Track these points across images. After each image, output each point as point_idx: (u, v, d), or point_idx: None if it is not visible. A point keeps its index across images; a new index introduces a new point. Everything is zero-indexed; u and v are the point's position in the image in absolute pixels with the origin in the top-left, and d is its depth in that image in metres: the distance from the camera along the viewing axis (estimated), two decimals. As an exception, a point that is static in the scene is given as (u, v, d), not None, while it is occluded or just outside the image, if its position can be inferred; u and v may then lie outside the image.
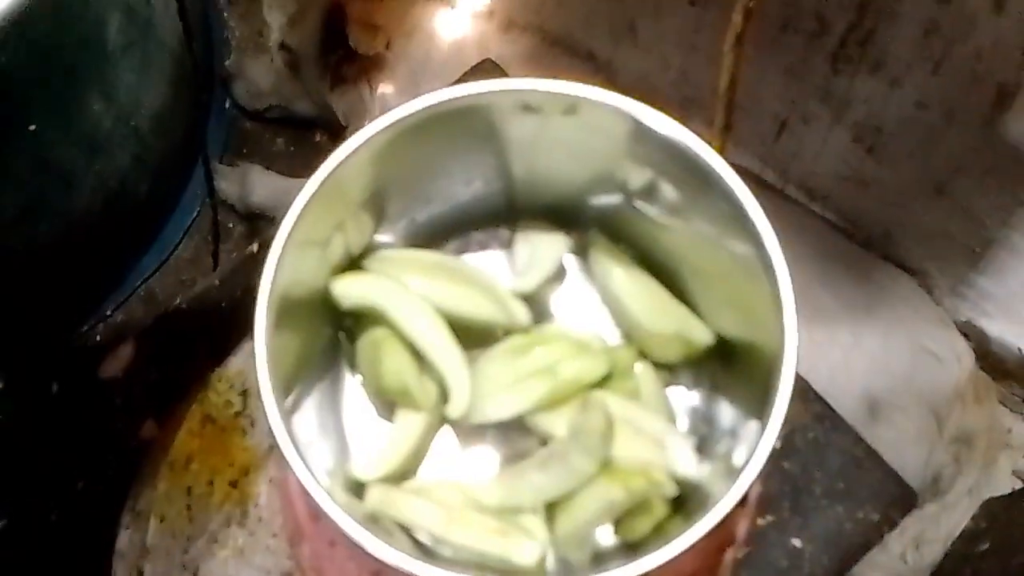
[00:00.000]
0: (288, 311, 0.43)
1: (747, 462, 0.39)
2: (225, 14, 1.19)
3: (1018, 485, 1.02)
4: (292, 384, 0.44)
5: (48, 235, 0.94)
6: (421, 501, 0.46)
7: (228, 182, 1.13)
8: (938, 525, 1.00)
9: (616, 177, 0.49)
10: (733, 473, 0.41)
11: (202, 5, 1.13)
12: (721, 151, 0.53)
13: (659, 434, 0.47)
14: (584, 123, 0.46)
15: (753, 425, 0.42)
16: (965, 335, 0.99)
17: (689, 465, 0.47)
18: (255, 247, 0.62)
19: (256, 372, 0.39)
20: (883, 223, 0.96)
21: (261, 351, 0.40)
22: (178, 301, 0.62)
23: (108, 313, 1.04)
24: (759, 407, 0.41)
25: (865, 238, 0.98)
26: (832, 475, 0.60)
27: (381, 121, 0.44)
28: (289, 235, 0.42)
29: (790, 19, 0.83)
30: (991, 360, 0.99)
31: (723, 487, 0.40)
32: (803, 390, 0.59)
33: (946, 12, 0.75)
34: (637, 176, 0.48)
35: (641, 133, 0.44)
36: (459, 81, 0.69)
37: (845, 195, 0.96)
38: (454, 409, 0.48)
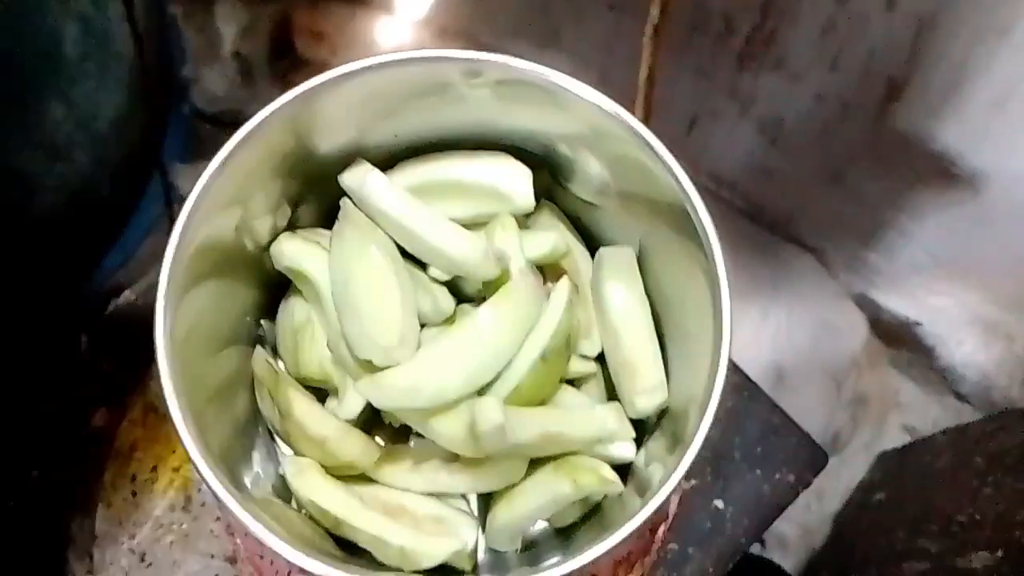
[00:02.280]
0: (202, 279, 0.37)
1: (686, 448, 0.34)
2: (181, 25, 1.12)
3: (907, 438, 1.01)
4: (207, 376, 0.38)
5: (11, 237, 0.88)
6: (339, 489, 0.40)
7: (187, 181, 1.07)
8: (838, 478, 0.99)
9: (546, 150, 0.43)
10: (669, 455, 0.36)
11: (159, 17, 1.07)
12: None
13: (599, 420, 0.41)
14: (509, 92, 0.40)
15: (688, 408, 0.38)
16: (859, 307, 0.97)
17: (628, 451, 0.42)
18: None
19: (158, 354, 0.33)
20: (785, 208, 0.93)
21: (161, 321, 0.34)
22: (130, 294, 0.56)
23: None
24: (693, 390, 0.37)
25: (770, 222, 0.95)
26: (751, 441, 0.56)
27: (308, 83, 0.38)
28: (205, 187, 0.36)
29: (699, 21, 0.80)
30: (882, 328, 0.97)
31: (659, 471, 0.36)
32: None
33: (842, 11, 0.72)
34: (565, 151, 0.43)
35: (567, 102, 0.39)
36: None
37: (751, 183, 0.93)
38: (345, 411, 0.41)
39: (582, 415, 0.40)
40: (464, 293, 0.43)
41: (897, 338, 0.97)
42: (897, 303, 0.94)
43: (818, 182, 0.87)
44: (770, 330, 0.94)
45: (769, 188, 0.92)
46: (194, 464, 0.32)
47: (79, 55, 0.86)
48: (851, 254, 0.92)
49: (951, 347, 0.92)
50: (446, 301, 0.42)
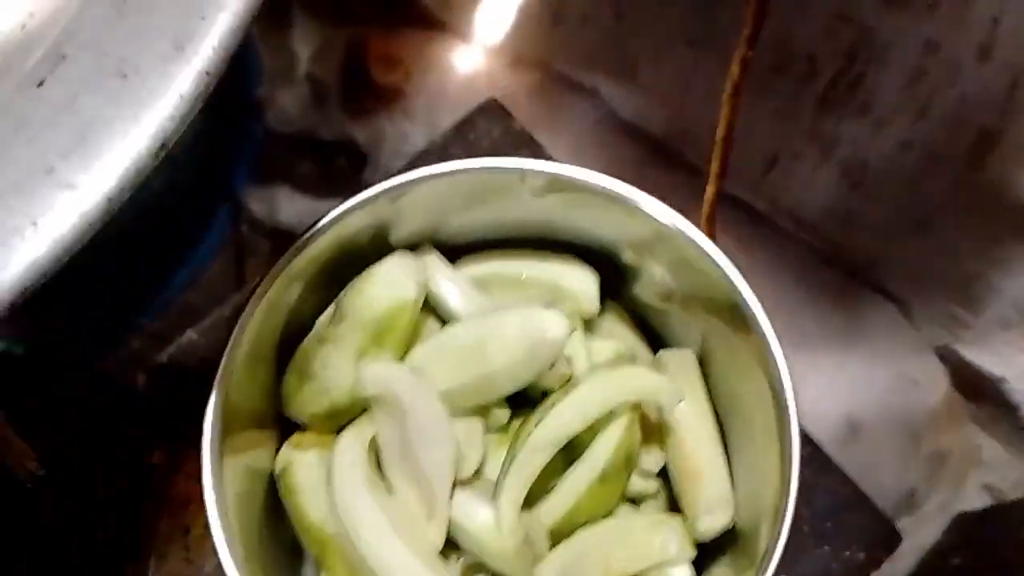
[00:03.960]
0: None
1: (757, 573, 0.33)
2: (258, 45, 1.14)
3: (988, 499, 0.97)
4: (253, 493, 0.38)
5: (85, 255, 0.90)
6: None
7: (257, 202, 1.09)
8: (913, 539, 0.95)
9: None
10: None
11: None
12: (716, 196, 0.48)
13: (659, 544, 0.39)
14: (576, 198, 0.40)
15: (759, 524, 0.36)
16: (941, 358, 0.93)
17: None
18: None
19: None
20: (867, 254, 0.90)
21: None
22: (192, 333, 0.57)
23: (141, 327, 1.00)
24: (762, 503, 0.36)
25: (849, 267, 0.93)
26: (820, 515, 0.54)
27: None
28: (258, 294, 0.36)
29: (782, 63, 0.78)
30: (965, 383, 0.94)
31: None
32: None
33: (933, 59, 0.69)
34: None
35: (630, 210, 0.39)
36: (466, 120, 0.64)
37: (831, 227, 0.91)
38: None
39: (641, 538, 0.39)
40: (526, 395, 0.43)
41: (981, 393, 0.94)
42: (982, 358, 0.90)
43: (902, 230, 0.85)
44: (845, 381, 0.92)
45: (850, 233, 0.90)
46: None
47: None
48: (934, 305, 0.89)
49: (1039, 405, 0.89)
50: (503, 413, 0.42)
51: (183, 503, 0.47)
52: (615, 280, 0.45)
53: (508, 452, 0.38)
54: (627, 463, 0.40)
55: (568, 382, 0.40)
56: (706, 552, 0.40)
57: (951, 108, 0.71)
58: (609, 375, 0.38)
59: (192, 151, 0.99)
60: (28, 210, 0.29)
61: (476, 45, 1.08)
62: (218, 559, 0.46)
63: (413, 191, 0.38)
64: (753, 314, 0.36)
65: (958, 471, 0.98)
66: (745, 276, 0.98)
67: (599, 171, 1.02)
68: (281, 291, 0.38)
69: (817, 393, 0.90)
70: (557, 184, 0.39)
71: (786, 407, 0.35)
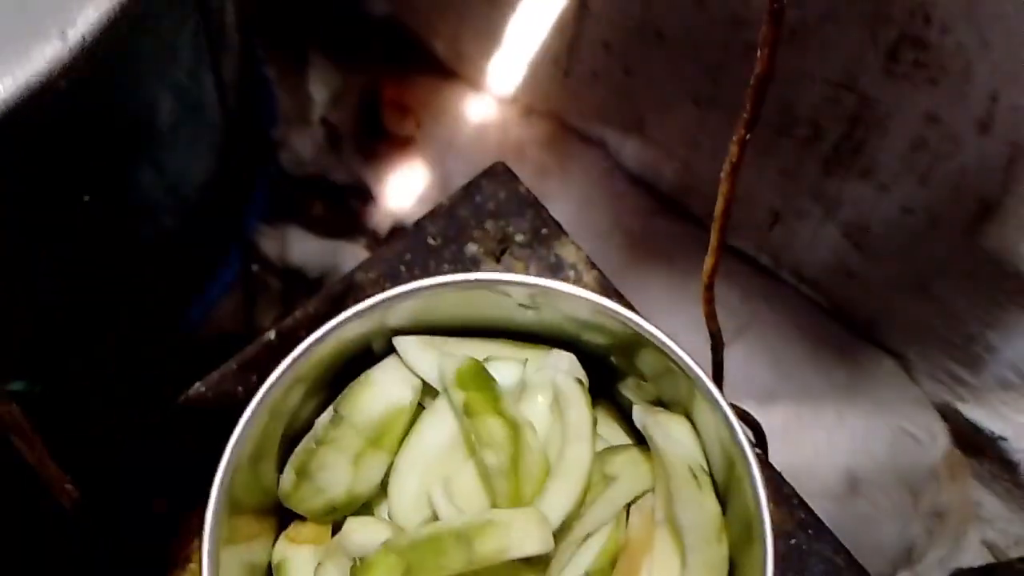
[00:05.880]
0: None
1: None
2: (273, 87, 1.16)
3: (987, 555, 0.97)
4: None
5: (95, 292, 0.91)
6: None
7: (269, 241, 1.11)
8: (910, 595, 0.96)
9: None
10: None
11: (251, 80, 1.10)
12: (714, 268, 0.49)
13: None
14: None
15: None
16: (942, 415, 0.94)
17: None
18: (272, 335, 0.58)
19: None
20: (868, 311, 0.91)
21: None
22: (200, 386, 0.58)
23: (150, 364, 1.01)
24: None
25: (851, 323, 0.94)
26: (812, 584, 0.55)
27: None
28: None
29: (785, 126, 0.79)
30: (965, 439, 0.94)
31: None
32: (788, 496, 0.55)
33: (933, 130, 0.71)
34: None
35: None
36: (473, 182, 0.65)
37: (834, 283, 0.92)
38: None
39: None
40: None
41: (981, 450, 0.94)
42: (982, 416, 0.91)
43: (903, 290, 0.85)
44: (845, 435, 0.92)
45: (852, 290, 0.91)
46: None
47: (172, 124, 0.89)
48: (935, 363, 0.90)
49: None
50: None
51: (183, 564, 0.48)
52: (606, 381, 0.46)
53: None
54: (611, 567, 0.40)
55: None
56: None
57: (952, 177, 0.73)
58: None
59: (206, 195, 1.00)
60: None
61: (488, 95, 1.10)
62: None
63: (405, 301, 0.40)
64: (750, 466, 0.37)
65: (957, 527, 0.98)
66: (748, 328, 0.99)
67: (608, 221, 1.03)
68: (283, 393, 0.39)
69: (817, 447, 0.90)
70: (541, 296, 0.41)
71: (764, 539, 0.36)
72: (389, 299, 0.40)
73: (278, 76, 1.16)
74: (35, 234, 0.82)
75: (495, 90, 1.07)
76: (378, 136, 1.09)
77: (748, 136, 0.45)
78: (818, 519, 0.59)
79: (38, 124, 0.72)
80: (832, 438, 0.92)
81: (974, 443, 0.94)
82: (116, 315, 0.94)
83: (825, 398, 0.93)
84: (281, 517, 0.43)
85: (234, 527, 0.37)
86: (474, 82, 1.07)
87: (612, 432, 0.45)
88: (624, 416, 0.45)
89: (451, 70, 1.08)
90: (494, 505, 0.39)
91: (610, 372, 0.44)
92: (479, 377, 0.40)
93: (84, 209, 0.83)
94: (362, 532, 0.40)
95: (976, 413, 0.90)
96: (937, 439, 0.94)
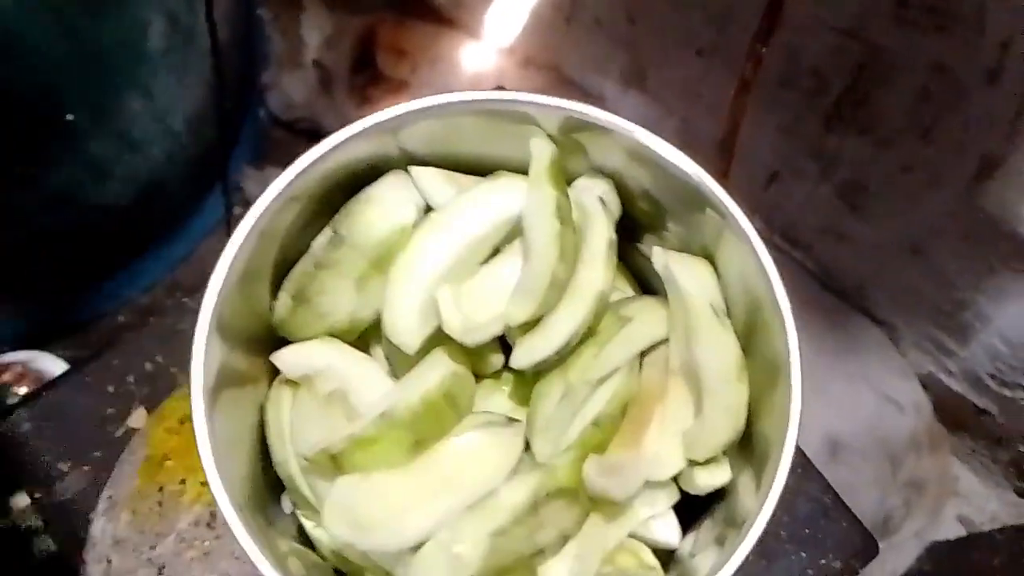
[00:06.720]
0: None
1: (738, 541, 0.32)
2: (267, 28, 1.13)
3: (962, 531, 0.97)
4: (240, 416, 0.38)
5: (79, 220, 0.89)
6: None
7: (254, 184, 1.08)
8: (885, 564, 0.95)
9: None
10: (719, 546, 0.35)
11: (246, 18, 1.08)
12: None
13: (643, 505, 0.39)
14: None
15: (745, 496, 0.36)
16: (925, 387, 0.93)
17: (673, 537, 0.39)
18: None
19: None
20: (858, 277, 0.90)
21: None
22: (181, 295, 0.56)
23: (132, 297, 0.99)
24: (753, 478, 0.35)
25: (840, 289, 0.92)
26: (799, 521, 0.54)
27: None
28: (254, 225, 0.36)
29: (789, 76, 0.78)
30: (948, 413, 0.93)
31: (706, 562, 0.34)
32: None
33: (940, 80, 0.69)
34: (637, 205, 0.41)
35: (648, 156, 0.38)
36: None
37: (825, 247, 0.91)
38: None
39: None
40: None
41: (962, 425, 0.94)
42: (966, 389, 0.90)
43: (896, 254, 0.84)
44: (829, 401, 0.91)
45: (843, 254, 0.90)
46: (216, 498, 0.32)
47: (163, 49, 0.87)
48: (923, 332, 0.89)
49: (1017, 442, 0.89)
50: (497, 359, 0.41)
51: (160, 460, 0.46)
52: (625, 243, 0.43)
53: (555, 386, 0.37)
54: (623, 413, 0.39)
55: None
56: (694, 508, 0.39)
57: (955, 131, 0.71)
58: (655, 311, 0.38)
59: (194, 129, 0.98)
60: None
61: (486, 43, 1.07)
62: (193, 515, 0.45)
63: (414, 123, 0.37)
64: (775, 292, 0.35)
65: (935, 500, 0.98)
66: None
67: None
68: (277, 212, 0.36)
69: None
70: (575, 125, 0.38)
71: (792, 392, 0.34)
72: (397, 117, 0.37)
73: (270, 17, 1.14)
74: (15, 158, 0.80)
75: (494, 38, 1.05)
76: (372, 80, 1.07)
77: (764, 50, 0.43)
78: (807, 459, 0.58)
79: (27, 35, 0.70)
80: (816, 403, 0.91)
81: (957, 417, 0.93)
82: (96, 241, 0.91)
83: (812, 365, 0.92)
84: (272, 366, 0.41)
85: (226, 366, 0.35)
86: (472, 29, 1.05)
87: (625, 289, 0.43)
88: (642, 285, 0.44)
89: (449, 16, 1.06)
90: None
91: (629, 233, 0.42)
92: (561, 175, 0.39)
93: (69, 131, 0.80)
94: (294, 356, 0.39)
95: (960, 385, 0.89)
96: (920, 410, 0.93)
